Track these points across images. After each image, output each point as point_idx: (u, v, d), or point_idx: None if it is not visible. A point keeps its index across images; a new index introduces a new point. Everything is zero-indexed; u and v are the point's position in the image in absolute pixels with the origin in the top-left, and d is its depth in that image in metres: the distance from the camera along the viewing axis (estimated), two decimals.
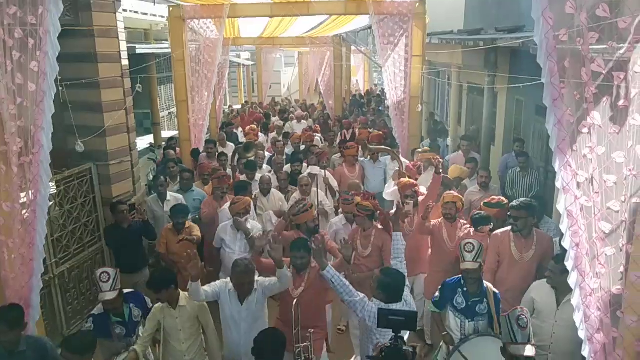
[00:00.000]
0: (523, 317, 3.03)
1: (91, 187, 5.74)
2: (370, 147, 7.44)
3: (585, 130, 2.48)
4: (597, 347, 2.70)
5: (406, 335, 3.77)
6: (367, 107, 17.93)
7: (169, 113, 16.51)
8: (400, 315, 2.80)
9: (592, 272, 2.62)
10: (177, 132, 13.83)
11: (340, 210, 6.02)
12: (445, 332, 4.13)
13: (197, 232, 5.44)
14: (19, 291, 3.36)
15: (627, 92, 2.41)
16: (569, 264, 2.68)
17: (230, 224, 5.29)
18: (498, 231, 4.77)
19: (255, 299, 3.95)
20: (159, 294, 3.92)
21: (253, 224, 5.34)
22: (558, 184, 2.59)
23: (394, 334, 2.69)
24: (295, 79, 28.53)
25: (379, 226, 5.03)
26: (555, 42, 2.43)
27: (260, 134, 11.20)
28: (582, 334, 2.73)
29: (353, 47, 17.70)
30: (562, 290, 3.82)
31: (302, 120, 13.34)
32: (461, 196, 5.27)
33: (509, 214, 4.80)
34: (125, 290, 4.12)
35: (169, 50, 9.23)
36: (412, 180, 5.75)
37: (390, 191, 6.43)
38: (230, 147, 9.22)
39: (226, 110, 16.66)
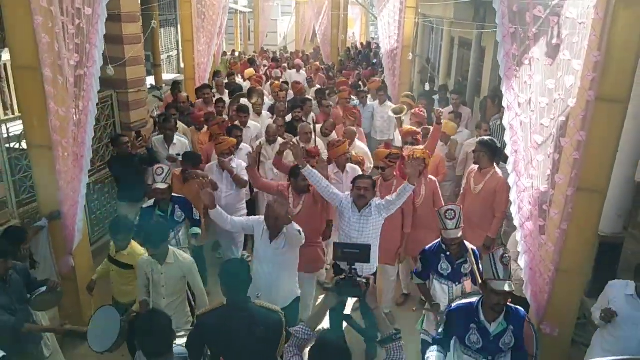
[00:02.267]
0: (506, 255, 3.10)
1: (112, 112, 6.43)
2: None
3: (526, 62, 3.22)
4: (527, 232, 3.55)
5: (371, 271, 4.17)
6: (361, 60, 18.32)
7: (168, 56, 16.88)
8: (355, 248, 2.86)
9: (526, 173, 3.42)
10: (176, 75, 14.35)
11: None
12: (434, 302, 3.96)
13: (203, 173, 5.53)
14: (70, 183, 4.12)
15: (559, 33, 3.15)
16: (509, 167, 3.48)
17: (216, 164, 5.51)
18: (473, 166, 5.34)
19: (283, 242, 3.96)
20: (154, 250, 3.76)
21: (237, 163, 5.55)
22: (504, 103, 3.36)
23: (348, 266, 2.72)
24: (291, 29, 28.62)
25: (399, 177, 5.11)
26: None
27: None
28: (516, 222, 3.55)
29: None
30: None
31: (301, 70, 13.29)
32: (428, 151, 5.21)
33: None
34: (177, 195, 4.71)
35: None
36: (414, 129, 6.09)
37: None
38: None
39: (228, 57, 16.50)
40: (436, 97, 9.64)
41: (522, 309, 3.26)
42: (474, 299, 3.29)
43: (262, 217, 4.04)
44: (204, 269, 5.22)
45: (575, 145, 3.28)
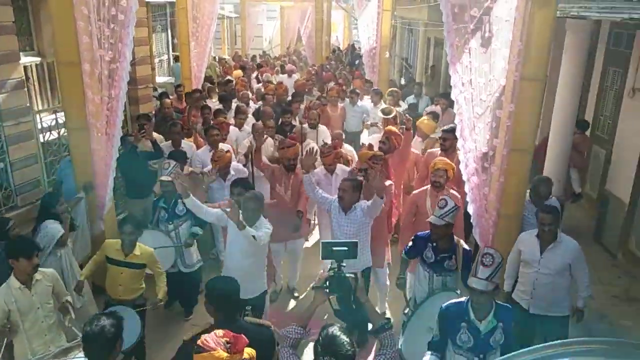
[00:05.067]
0: (489, 256, 3.14)
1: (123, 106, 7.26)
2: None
3: (466, 50, 4.18)
4: (473, 185, 4.48)
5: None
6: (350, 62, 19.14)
7: (160, 60, 17.67)
8: (343, 245, 2.87)
9: (470, 138, 4.37)
10: (168, 78, 15.12)
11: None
12: (401, 276, 4.42)
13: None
14: (103, 158, 4.99)
15: (490, 28, 4.10)
16: (457, 133, 4.43)
17: (209, 149, 5.93)
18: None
19: (260, 237, 4.13)
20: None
21: (235, 167, 5.79)
22: (451, 82, 4.31)
23: (336, 264, 2.77)
24: (276, 33, 29.53)
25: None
26: None
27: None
28: (464, 174, 4.48)
29: (334, 3, 18.98)
30: (546, 239, 4.06)
31: (293, 75, 13.54)
32: (452, 163, 5.16)
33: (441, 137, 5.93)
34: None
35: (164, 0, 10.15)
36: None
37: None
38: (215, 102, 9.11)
39: (217, 67, 16.06)
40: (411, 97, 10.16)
41: (510, 306, 3.38)
42: (464, 298, 3.32)
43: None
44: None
45: (507, 114, 4.21)
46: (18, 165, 5.61)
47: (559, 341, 2.04)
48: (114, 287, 4.40)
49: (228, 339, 2.40)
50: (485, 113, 4.29)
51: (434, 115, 7.77)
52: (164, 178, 5.13)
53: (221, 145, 6.01)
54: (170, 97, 8.59)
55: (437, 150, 6.00)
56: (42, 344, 3.70)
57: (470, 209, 4.56)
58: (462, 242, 4.18)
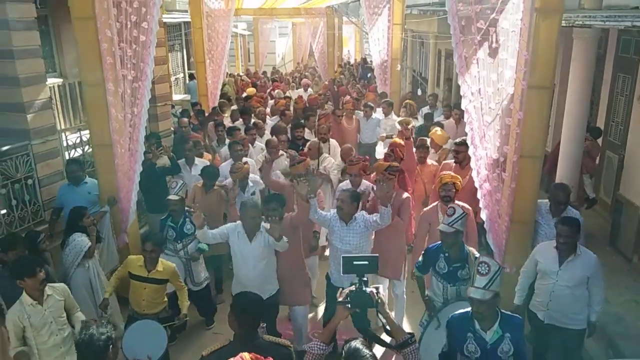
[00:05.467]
0: (485, 264, 3.09)
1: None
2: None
3: (474, 61, 4.32)
4: (485, 191, 4.59)
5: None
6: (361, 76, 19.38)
7: (175, 78, 18.07)
8: (363, 260, 2.85)
9: (481, 145, 4.49)
10: (184, 95, 15.46)
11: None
12: (426, 298, 4.30)
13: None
14: (126, 173, 5.20)
15: (497, 39, 4.24)
16: (468, 141, 4.55)
17: (232, 163, 5.94)
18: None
19: (263, 240, 4.37)
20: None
21: (253, 179, 5.98)
22: (461, 92, 4.45)
23: (358, 278, 2.75)
24: (289, 49, 29.98)
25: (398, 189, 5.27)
26: (457, 9, 4.25)
27: None
28: (476, 180, 4.60)
29: (345, 19, 19.29)
30: (564, 252, 4.00)
31: (309, 89, 13.94)
32: (458, 176, 5.20)
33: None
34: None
35: (179, 20, 10.40)
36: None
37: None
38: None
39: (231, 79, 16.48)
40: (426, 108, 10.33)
41: (518, 316, 3.34)
42: (469, 308, 3.26)
43: (234, 223, 4.50)
44: (220, 280, 5.96)
45: (516, 122, 4.33)
46: (45, 181, 5.86)
47: None
48: (138, 302, 4.48)
49: None
50: (495, 121, 4.41)
51: (439, 125, 7.92)
52: (171, 197, 5.20)
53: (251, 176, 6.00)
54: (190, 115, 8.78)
55: (451, 161, 6.09)
56: (58, 357, 3.81)
57: (484, 215, 4.66)
58: (473, 250, 4.19)
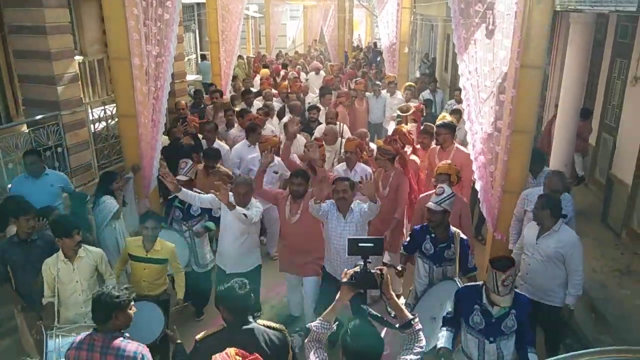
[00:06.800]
0: (510, 278, 3.16)
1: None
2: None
3: (472, 42, 4.68)
4: (480, 163, 4.97)
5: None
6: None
7: (187, 59, 18.39)
8: (369, 242, 2.86)
9: (477, 120, 4.86)
10: (196, 76, 15.76)
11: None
12: (400, 269, 4.40)
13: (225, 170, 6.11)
14: (149, 142, 5.63)
15: (494, 21, 4.59)
16: (464, 115, 4.92)
17: (259, 158, 5.71)
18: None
19: (251, 215, 4.46)
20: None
21: (277, 160, 5.79)
22: (459, 71, 4.81)
23: (363, 259, 2.74)
24: (300, 32, 30.15)
25: (399, 168, 5.47)
26: None
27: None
28: (472, 153, 4.97)
29: (355, 2, 19.48)
30: (544, 227, 4.16)
31: (320, 71, 13.92)
32: (458, 169, 5.28)
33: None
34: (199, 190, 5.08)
35: (193, 1, 10.56)
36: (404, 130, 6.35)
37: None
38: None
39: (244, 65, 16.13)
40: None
41: (525, 295, 3.50)
42: (480, 282, 3.46)
43: (230, 193, 4.45)
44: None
45: (509, 99, 4.67)
46: (73, 150, 6.32)
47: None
48: (138, 283, 4.50)
49: (241, 358, 2.43)
50: (490, 98, 4.77)
51: (455, 111, 8.02)
52: (180, 177, 5.15)
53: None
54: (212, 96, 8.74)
55: (435, 147, 6.19)
56: (78, 315, 4.03)
57: (477, 186, 5.05)
58: (459, 231, 4.28)
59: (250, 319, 2.99)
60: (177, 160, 5.58)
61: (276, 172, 6.02)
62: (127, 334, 3.04)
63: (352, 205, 4.41)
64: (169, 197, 5.42)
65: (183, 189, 4.64)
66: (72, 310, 4.04)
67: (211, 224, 5.23)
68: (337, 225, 4.37)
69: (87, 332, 3.02)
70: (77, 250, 4.04)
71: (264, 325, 3.01)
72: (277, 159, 5.73)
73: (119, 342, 2.95)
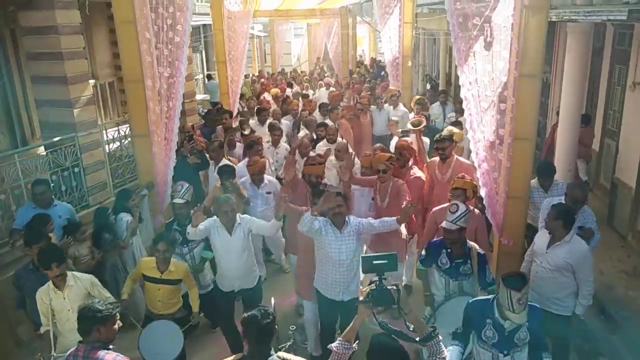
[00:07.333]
0: (525, 296, 3.16)
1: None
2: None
3: (472, 54, 4.85)
4: (483, 170, 5.11)
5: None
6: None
7: (195, 79, 18.72)
8: (383, 259, 2.84)
9: (479, 128, 5.02)
10: (203, 95, 16.05)
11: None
12: (427, 293, 4.36)
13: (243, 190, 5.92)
14: (163, 160, 5.83)
15: (491, 33, 4.77)
16: (467, 125, 5.08)
17: (249, 181, 5.94)
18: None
19: (242, 232, 4.60)
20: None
21: (268, 179, 6.06)
22: (460, 82, 4.98)
23: (378, 276, 2.73)
24: (304, 49, 30.55)
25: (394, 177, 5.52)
26: (455, 7, 4.78)
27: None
28: (475, 161, 5.12)
29: (358, 18, 19.81)
30: (555, 236, 4.17)
31: (331, 87, 13.89)
32: (474, 182, 5.19)
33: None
34: None
35: (199, 23, 10.69)
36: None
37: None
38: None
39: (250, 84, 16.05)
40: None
41: (537, 306, 3.48)
42: (491, 296, 3.45)
43: (211, 218, 4.59)
44: None
45: (510, 107, 4.83)
46: (89, 170, 6.55)
47: None
48: (153, 302, 4.57)
49: None
50: (491, 107, 4.93)
51: (457, 124, 7.80)
52: (177, 200, 5.23)
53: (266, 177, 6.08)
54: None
55: (435, 159, 6.15)
56: (75, 342, 3.94)
57: (482, 192, 5.18)
58: (475, 246, 4.28)
59: (272, 352, 2.97)
60: (183, 179, 5.64)
61: (269, 193, 6.03)
62: (111, 346, 3.18)
63: (347, 219, 4.39)
64: (167, 222, 5.40)
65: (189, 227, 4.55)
66: (68, 337, 3.96)
67: (208, 253, 5.18)
68: (335, 239, 4.32)
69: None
70: (65, 279, 4.01)
71: (282, 358, 2.97)
72: (266, 179, 5.89)
73: (99, 352, 3.11)
